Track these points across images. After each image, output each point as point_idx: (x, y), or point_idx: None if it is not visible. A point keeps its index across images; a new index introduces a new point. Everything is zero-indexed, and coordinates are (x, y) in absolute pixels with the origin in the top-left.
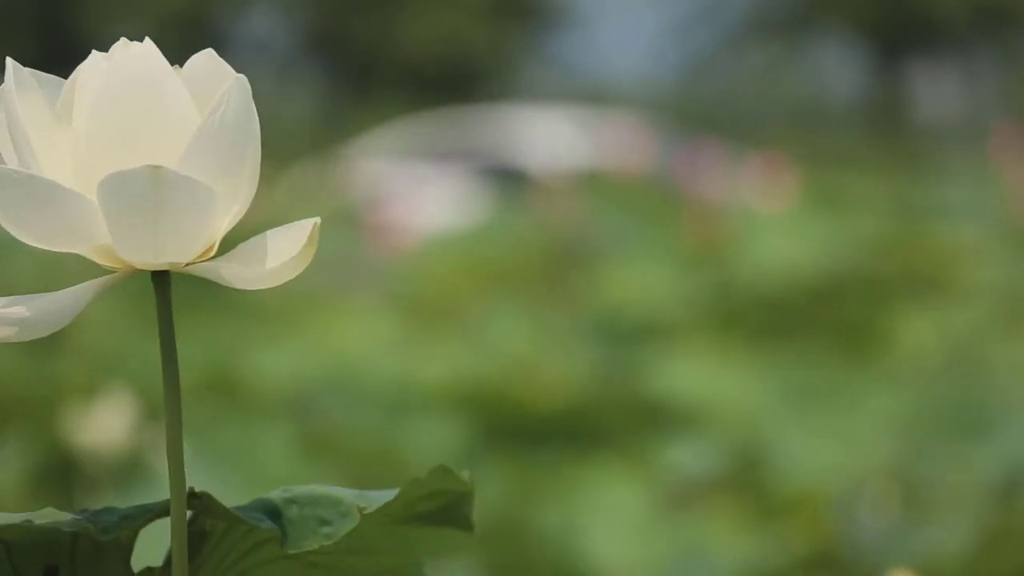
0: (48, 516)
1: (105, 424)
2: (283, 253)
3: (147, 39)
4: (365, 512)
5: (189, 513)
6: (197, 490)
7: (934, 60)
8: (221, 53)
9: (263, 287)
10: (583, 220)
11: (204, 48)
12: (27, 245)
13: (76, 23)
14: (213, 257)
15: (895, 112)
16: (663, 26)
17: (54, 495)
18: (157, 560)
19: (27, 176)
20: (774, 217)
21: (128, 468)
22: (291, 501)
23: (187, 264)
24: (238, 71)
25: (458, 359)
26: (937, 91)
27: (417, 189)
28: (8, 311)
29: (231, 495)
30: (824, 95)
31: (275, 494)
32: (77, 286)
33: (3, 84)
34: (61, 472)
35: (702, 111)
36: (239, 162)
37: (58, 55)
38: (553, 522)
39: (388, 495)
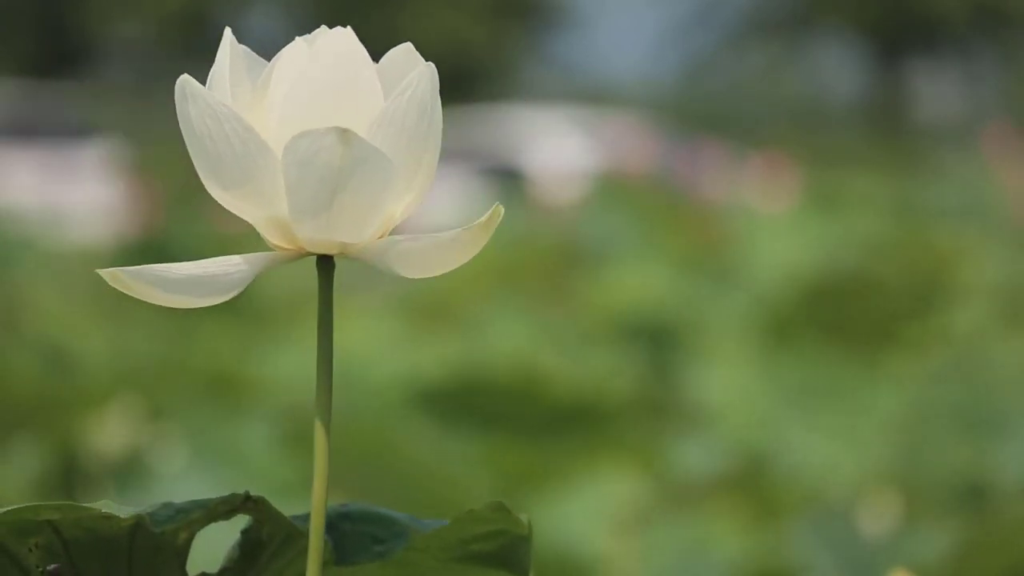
0: (104, 506)
1: (108, 426)
2: (457, 235)
3: (348, 28)
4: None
5: (241, 519)
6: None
7: (934, 60)
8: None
9: (431, 273)
10: (583, 220)
11: (204, 48)
12: (30, 246)
13: (76, 23)
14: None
15: (895, 112)
16: (663, 26)
17: (58, 499)
18: (212, 566)
19: (231, 114)
20: (774, 217)
21: (130, 470)
22: (345, 516)
23: (355, 246)
24: None
25: (459, 358)
26: (937, 91)
27: None
28: (181, 275)
29: None
30: (824, 95)
31: (330, 508)
32: (249, 255)
33: (218, 55)
34: (63, 476)
35: (702, 111)
36: (419, 146)
37: (58, 55)
38: (555, 520)
39: (439, 523)
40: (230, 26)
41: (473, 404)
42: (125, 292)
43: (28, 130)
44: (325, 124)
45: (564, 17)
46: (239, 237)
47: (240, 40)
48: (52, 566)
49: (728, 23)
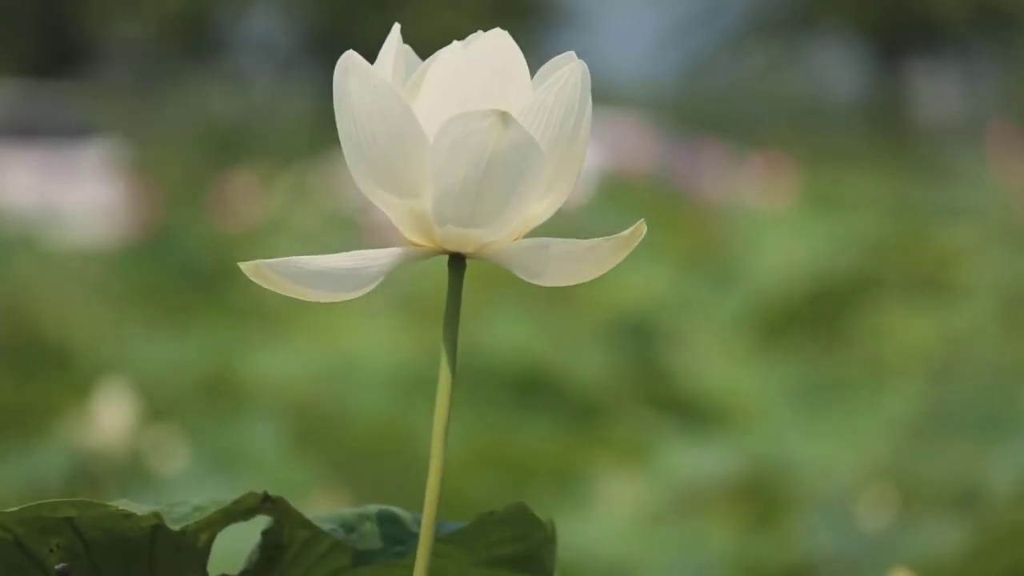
0: (121, 503)
1: (109, 427)
2: (598, 245)
3: (504, 31)
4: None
5: (261, 520)
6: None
7: (934, 60)
8: (221, 53)
9: (563, 283)
10: (584, 219)
11: (204, 47)
12: (30, 246)
13: (76, 23)
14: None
15: (895, 112)
16: (663, 26)
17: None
18: (232, 567)
19: (390, 90)
20: (775, 217)
21: (131, 470)
22: (365, 517)
23: (492, 245)
24: (238, 71)
25: (461, 358)
26: (937, 91)
27: None
28: (320, 267)
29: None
30: (824, 95)
31: (350, 509)
32: (385, 249)
33: (383, 47)
34: (64, 476)
35: (702, 111)
36: (565, 144)
37: (58, 55)
38: (556, 519)
39: (457, 525)
40: (230, 26)
41: (474, 402)
42: (264, 285)
43: (28, 130)
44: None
45: (564, 17)
46: (239, 237)
47: (240, 41)
48: (60, 565)
49: (728, 23)
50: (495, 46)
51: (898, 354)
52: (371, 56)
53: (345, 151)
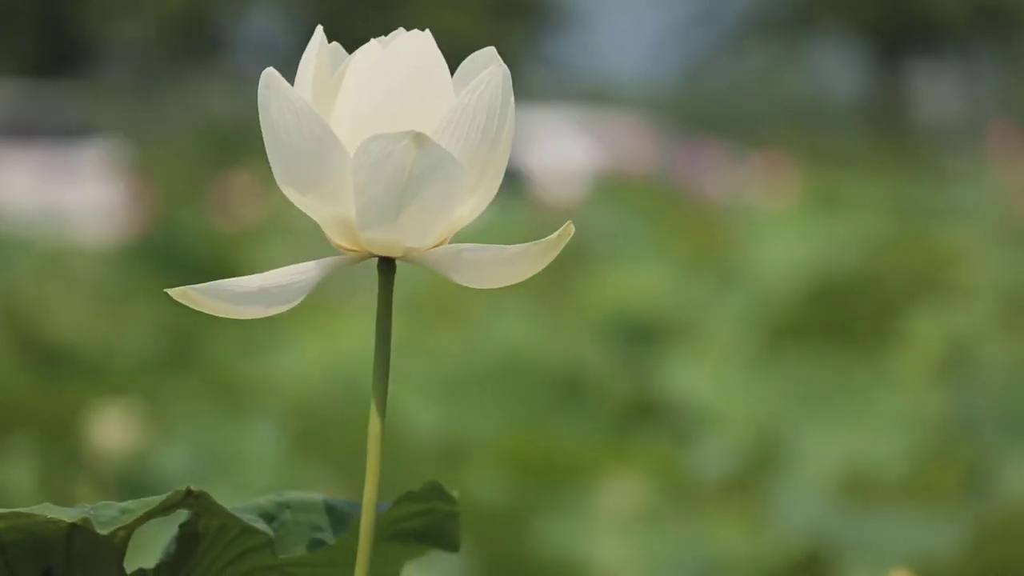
0: (48, 510)
1: (110, 427)
2: (525, 249)
3: (426, 30)
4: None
5: (185, 514)
6: (194, 489)
7: (934, 60)
8: (221, 53)
9: (492, 285)
10: (584, 219)
11: (204, 48)
12: (30, 246)
13: (76, 23)
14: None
15: (895, 112)
16: (663, 26)
17: (59, 500)
18: (150, 561)
19: (308, 110)
20: (775, 217)
21: (132, 471)
22: (284, 506)
23: (419, 250)
24: (238, 71)
25: (461, 357)
26: (937, 91)
27: None
28: (250, 288)
29: (233, 497)
30: (824, 95)
31: (268, 498)
32: (314, 260)
33: (306, 51)
34: (65, 477)
35: (702, 111)
36: (488, 148)
37: (58, 55)
38: (555, 519)
39: (383, 507)
40: (230, 26)
41: (474, 401)
42: (195, 307)
43: (28, 130)
44: (397, 122)
45: (564, 17)
46: (239, 236)
47: (240, 41)
48: (45, 565)
49: (728, 23)
50: (414, 48)
51: (899, 354)
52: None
53: (271, 162)
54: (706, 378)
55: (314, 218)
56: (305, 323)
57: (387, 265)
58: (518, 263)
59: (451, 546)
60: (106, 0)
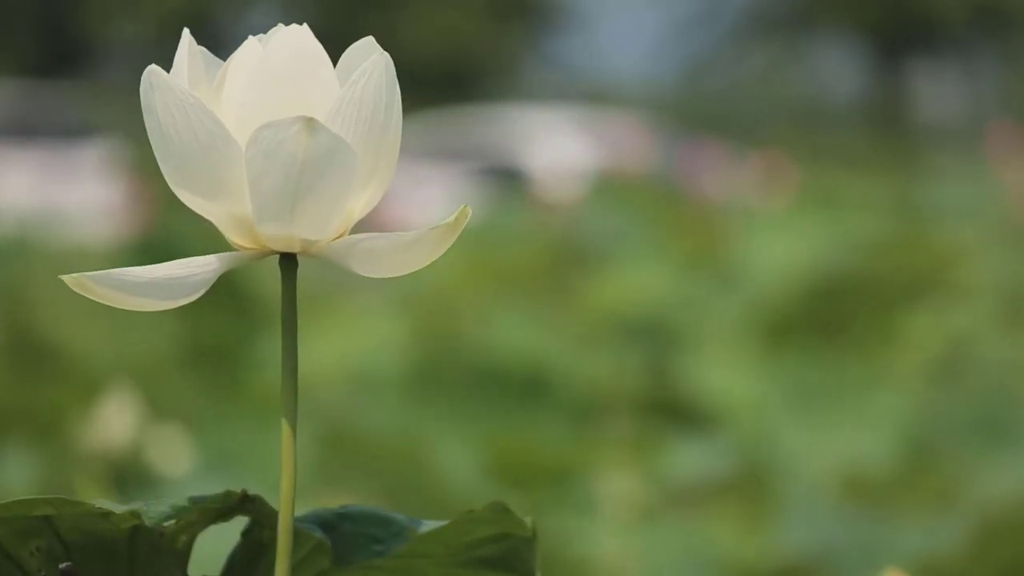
0: (98, 503)
1: (110, 427)
2: (422, 235)
3: (304, 24)
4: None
5: (242, 521)
6: (250, 493)
7: (934, 60)
8: (221, 53)
9: (393, 274)
10: (583, 220)
11: (204, 47)
12: (30, 246)
13: (76, 23)
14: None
15: (895, 112)
16: (663, 26)
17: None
18: (214, 569)
19: (197, 104)
20: (774, 217)
21: (132, 471)
22: (344, 517)
23: (317, 244)
24: None
25: (460, 357)
26: (937, 91)
27: (417, 189)
28: (145, 278)
29: None
30: (824, 95)
31: (328, 509)
32: (213, 255)
33: (177, 52)
34: (65, 477)
35: (702, 111)
36: (377, 138)
37: (58, 55)
38: (557, 519)
39: (437, 523)
40: (230, 26)
41: (473, 402)
42: (90, 298)
43: (28, 130)
44: (284, 115)
45: (564, 17)
46: None
47: (240, 41)
48: (63, 565)
49: (728, 23)
50: (295, 42)
51: (898, 354)
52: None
53: (159, 163)
54: (705, 378)
55: (210, 219)
56: (308, 323)
57: (288, 261)
58: (416, 250)
59: (527, 573)
60: (106, 0)
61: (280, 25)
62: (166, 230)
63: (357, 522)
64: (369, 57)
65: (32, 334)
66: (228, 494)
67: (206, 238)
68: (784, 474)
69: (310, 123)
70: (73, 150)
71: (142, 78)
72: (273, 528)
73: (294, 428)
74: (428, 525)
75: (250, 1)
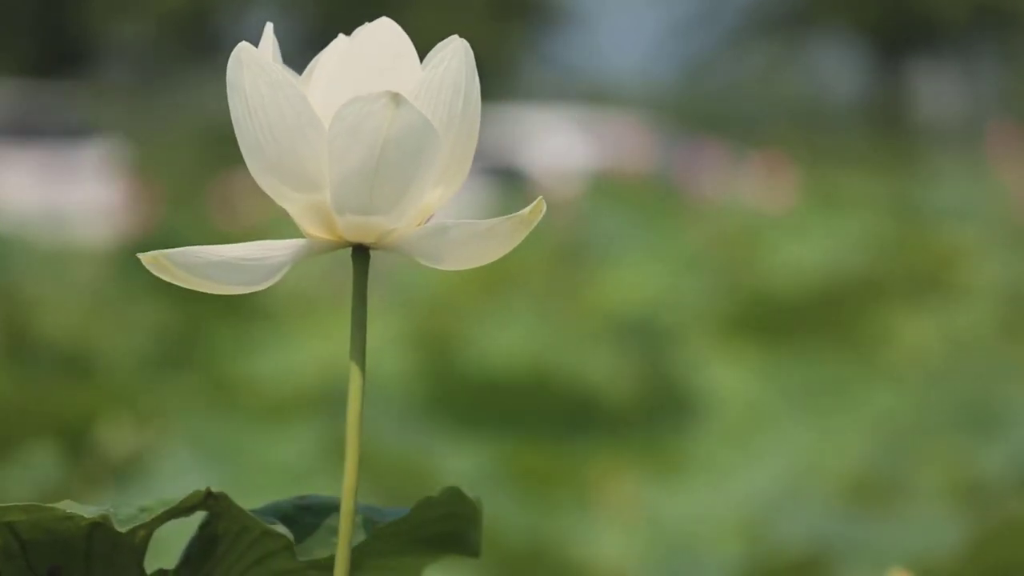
0: (67, 506)
1: (111, 426)
2: (497, 225)
3: (391, 20)
4: (378, 527)
5: (202, 515)
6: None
7: (934, 60)
8: (221, 52)
9: (466, 266)
10: (583, 219)
11: (204, 47)
12: (30, 246)
13: (76, 23)
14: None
15: (895, 112)
16: (663, 26)
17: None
18: (170, 562)
19: (286, 80)
20: (774, 217)
21: (133, 470)
22: (305, 509)
23: (393, 233)
24: None
25: (460, 356)
26: (937, 91)
27: None
28: (220, 257)
29: (237, 497)
30: (824, 95)
31: (288, 501)
32: (287, 240)
33: (260, 44)
34: (66, 476)
35: (702, 111)
36: (456, 126)
37: (58, 55)
38: (560, 520)
39: (400, 512)
40: (230, 26)
41: (474, 401)
42: (162, 277)
43: (28, 130)
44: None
45: (564, 17)
46: (239, 236)
47: (240, 40)
48: (50, 566)
49: (728, 23)
50: (383, 33)
51: (898, 353)
52: None
53: (241, 146)
54: (704, 376)
55: (287, 207)
56: (309, 323)
57: (361, 253)
58: (490, 241)
59: (471, 551)
60: (106, 0)
61: (365, 23)
62: (166, 230)
63: (318, 514)
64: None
65: (31, 334)
66: (194, 493)
67: (207, 238)
68: (786, 474)
69: (396, 97)
70: (73, 150)
71: (232, 55)
72: (231, 521)
73: (359, 425)
74: (392, 513)
75: (250, 1)
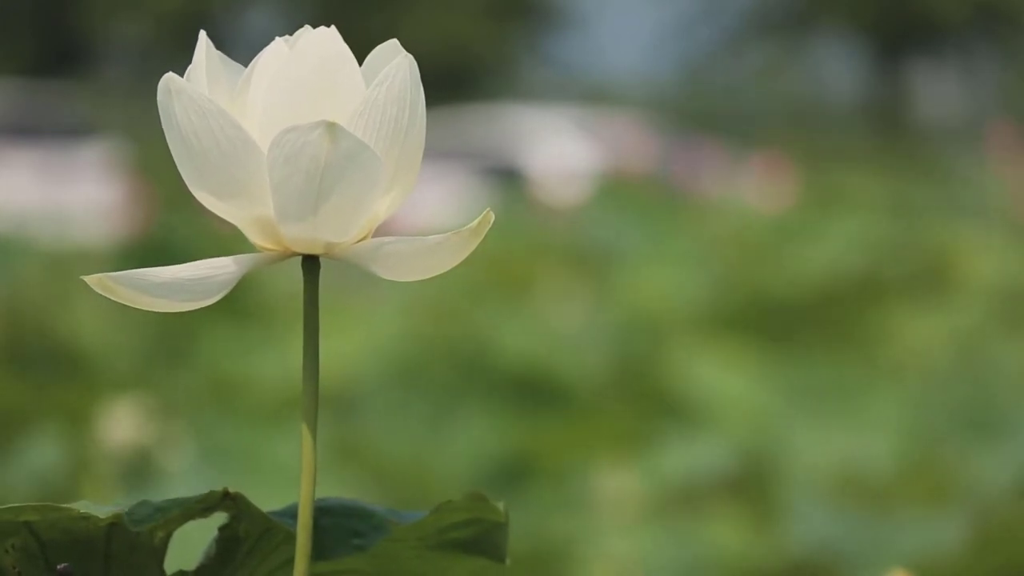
0: (82, 506)
1: (112, 426)
2: (445, 239)
3: (332, 27)
4: (397, 528)
5: (223, 516)
6: (231, 491)
7: (934, 60)
8: (221, 52)
9: (416, 277)
10: (583, 220)
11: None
12: (30, 246)
13: (76, 23)
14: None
15: (895, 112)
16: (662, 26)
17: (62, 501)
18: (190, 564)
19: (217, 109)
20: (774, 216)
21: (136, 470)
22: (324, 511)
23: (341, 246)
24: None
25: (461, 358)
26: (937, 91)
27: (416, 189)
28: (166, 278)
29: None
30: (824, 95)
31: None
32: (235, 256)
33: (195, 54)
34: (69, 475)
35: (702, 111)
36: (401, 140)
37: (58, 55)
38: (556, 517)
39: (418, 515)
40: (230, 26)
41: (475, 403)
42: (110, 298)
43: (28, 130)
44: (308, 117)
45: (564, 17)
46: (239, 236)
47: (239, 40)
48: (61, 565)
49: (727, 23)
50: (322, 43)
51: (898, 353)
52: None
53: (180, 168)
54: (706, 378)
55: (232, 222)
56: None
57: (311, 263)
58: (439, 254)
59: (498, 557)
60: (106, 0)
61: (307, 27)
62: (166, 230)
63: (337, 516)
64: (393, 59)
65: (32, 333)
66: (211, 494)
67: (206, 238)
68: (785, 474)
69: (332, 128)
70: (73, 150)
71: (159, 85)
72: (252, 523)
73: (314, 429)
74: (409, 516)
75: (250, 1)
